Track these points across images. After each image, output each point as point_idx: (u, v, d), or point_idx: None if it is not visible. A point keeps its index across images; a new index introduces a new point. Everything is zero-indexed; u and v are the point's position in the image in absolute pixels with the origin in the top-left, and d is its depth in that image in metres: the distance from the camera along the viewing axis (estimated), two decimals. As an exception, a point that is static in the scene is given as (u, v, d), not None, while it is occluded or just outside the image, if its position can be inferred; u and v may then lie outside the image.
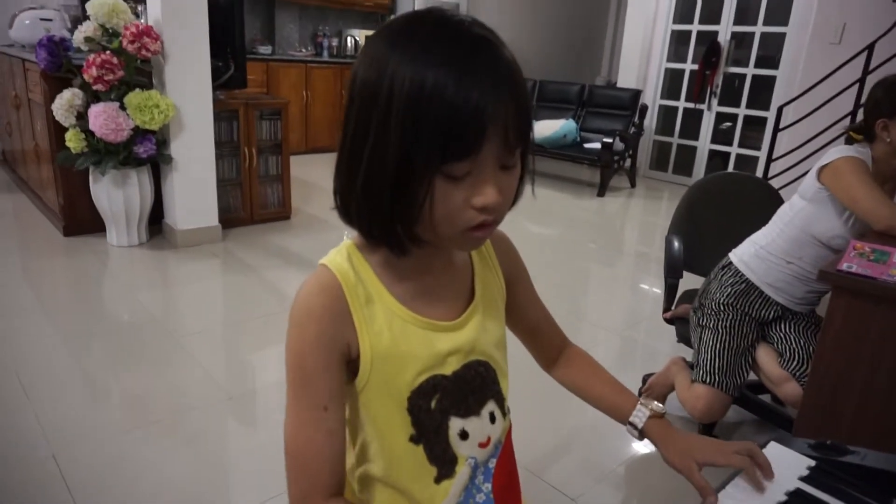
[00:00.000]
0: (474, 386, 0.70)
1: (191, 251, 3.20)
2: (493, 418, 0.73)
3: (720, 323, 1.66)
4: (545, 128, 5.37)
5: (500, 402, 0.74)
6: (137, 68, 2.91)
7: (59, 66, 2.86)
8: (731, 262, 1.73)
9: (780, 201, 1.83)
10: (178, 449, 1.69)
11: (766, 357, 1.64)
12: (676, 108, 5.81)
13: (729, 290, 1.69)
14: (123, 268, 2.98)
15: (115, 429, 1.75)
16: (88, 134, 2.85)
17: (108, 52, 2.76)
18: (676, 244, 1.90)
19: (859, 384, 1.21)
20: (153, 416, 1.82)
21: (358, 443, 0.70)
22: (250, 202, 3.62)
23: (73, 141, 2.84)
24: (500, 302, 0.76)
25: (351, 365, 0.65)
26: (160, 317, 2.49)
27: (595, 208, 4.88)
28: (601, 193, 5.13)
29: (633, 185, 5.57)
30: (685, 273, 1.95)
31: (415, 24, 0.56)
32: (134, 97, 2.79)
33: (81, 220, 3.23)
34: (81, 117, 2.86)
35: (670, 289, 1.89)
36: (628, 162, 5.52)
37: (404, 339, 0.65)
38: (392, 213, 0.57)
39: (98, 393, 1.96)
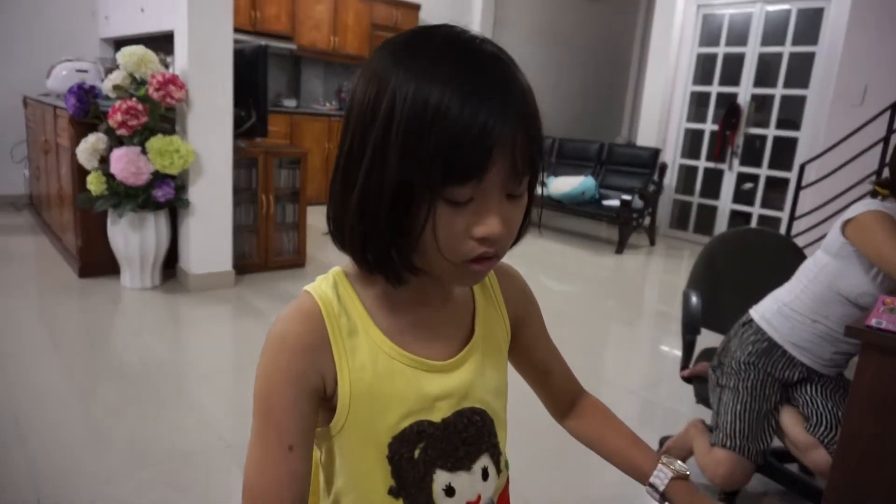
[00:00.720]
0: (466, 436, 0.63)
1: (203, 296, 3.18)
2: (485, 474, 0.66)
3: (741, 383, 1.57)
4: (564, 184, 5.38)
5: (496, 456, 0.67)
6: (162, 115, 2.99)
7: (87, 111, 2.94)
8: (752, 319, 1.65)
9: (804, 257, 1.76)
10: (172, 497, 1.61)
11: (791, 421, 1.54)
12: (697, 168, 5.79)
13: (750, 348, 1.60)
14: (135, 310, 2.97)
15: (108, 474, 1.68)
16: (109, 177, 2.90)
17: (134, 98, 2.84)
18: (694, 299, 1.83)
19: (893, 450, 1.11)
20: (149, 462, 1.75)
21: (332, 492, 0.64)
22: (265, 249, 3.63)
23: (94, 183, 2.89)
24: (502, 344, 0.70)
25: (325, 402, 0.59)
26: (166, 360, 2.45)
27: (613, 266, 4.81)
28: (620, 251, 5.07)
29: (652, 243, 5.50)
30: (704, 331, 1.86)
31: (421, 39, 0.53)
32: (155, 142, 2.84)
33: (97, 262, 3.25)
34: (104, 161, 2.92)
35: (688, 345, 1.81)
36: (647, 220, 5.48)
37: (389, 378, 0.59)
38: (388, 238, 0.53)
39: (95, 436, 1.90)
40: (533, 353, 0.76)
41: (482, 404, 0.65)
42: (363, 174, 0.52)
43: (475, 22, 6.93)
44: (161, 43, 3.52)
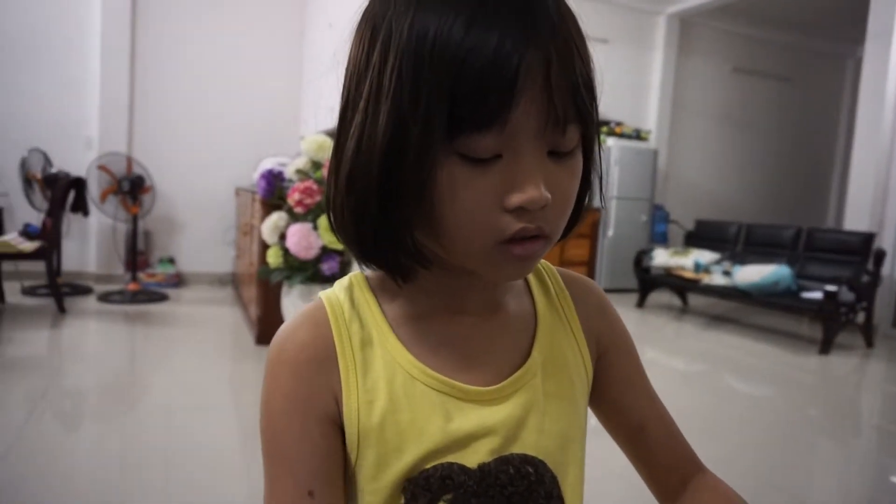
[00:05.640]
0: (513, 494, 0.46)
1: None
2: None
3: None
4: (752, 273, 4.79)
5: None
6: (334, 196, 3.22)
7: (273, 192, 3.28)
8: None
9: None
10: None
11: None
12: (927, 257, 4.83)
13: None
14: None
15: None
16: (286, 251, 3.16)
17: (311, 180, 3.11)
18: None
19: None
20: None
21: None
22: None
23: (273, 257, 3.16)
24: (576, 377, 0.52)
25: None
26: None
27: (817, 368, 4.07)
28: (825, 351, 4.30)
29: (869, 344, 4.60)
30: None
31: None
32: (325, 219, 3.05)
33: (272, 331, 3.47)
34: (283, 237, 3.19)
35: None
36: (862, 316, 4.62)
37: (408, 404, 0.45)
38: (381, 213, 0.41)
39: (246, 491, 1.93)
40: (620, 401, 0.56)
41: (541, 453, 0.48)
42: (353, 138, 0.41)
43: (652, 104, 6.78)
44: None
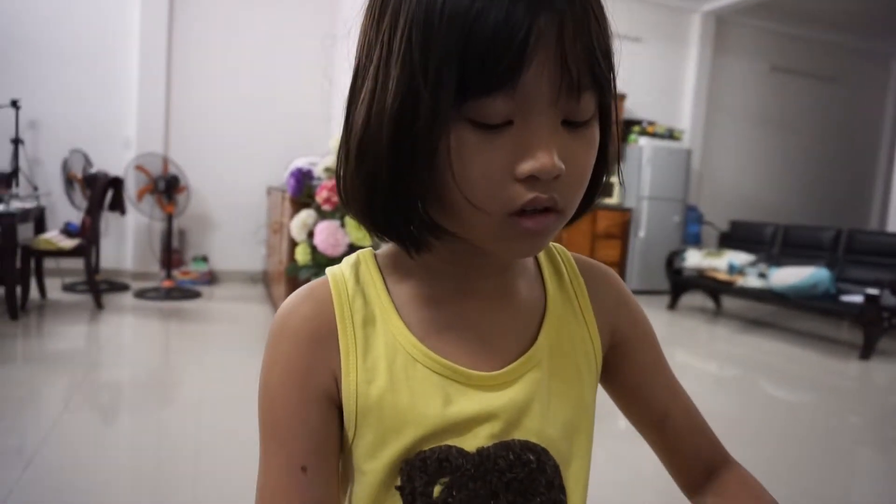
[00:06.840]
0: (512, 480, 0.45)
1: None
2: None
3: None
4: (789, 275, 4.66)
5: None
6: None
7: (302, 191, 3.32)
8: None
9: None
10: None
11: None
12: (976, 261, 4.63)
13: None
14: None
15: None
16: (313, 249, 3.19)
17: (339, 178, 3.14)
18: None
19: None
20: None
21: None
22: (450, 326, 3.64)
23: (301, 254, 3.20)
24: (583, 366, 0.51)
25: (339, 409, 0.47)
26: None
27: (857, 374, 3.94)
28: (865, 356, 4.15)
29: (914, 350, 4.43)
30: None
31: None
32: (351, 217, 3.07)
33: (300, 328, 3.54)
34: (311, 235, 3.22)
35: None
36: (906, 321, 4.45)
37: (408, 385, 0.45)
38: (395, 183, 0.40)
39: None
40: (640, 390, 0.54)
41: (543, 440, 0.46)
42: (364, 104, 0.41)
43: (686, 104, 6.67)
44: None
